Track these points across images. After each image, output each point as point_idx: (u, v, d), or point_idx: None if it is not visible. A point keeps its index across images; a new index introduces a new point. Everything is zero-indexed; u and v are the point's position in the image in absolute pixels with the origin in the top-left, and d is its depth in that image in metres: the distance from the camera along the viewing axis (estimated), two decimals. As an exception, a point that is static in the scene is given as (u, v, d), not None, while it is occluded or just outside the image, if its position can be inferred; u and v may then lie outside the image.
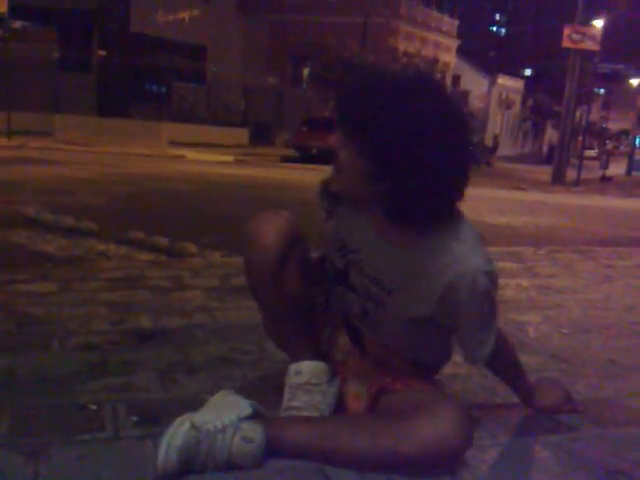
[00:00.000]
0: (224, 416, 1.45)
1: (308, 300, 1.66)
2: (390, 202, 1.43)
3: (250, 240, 1.56)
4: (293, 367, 1.65)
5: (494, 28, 71.80)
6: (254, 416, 1.48)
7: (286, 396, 1.66)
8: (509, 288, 3.50)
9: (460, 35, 44.16)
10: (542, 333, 2.69)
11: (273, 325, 1.73)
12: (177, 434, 1.38)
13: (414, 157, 1.35)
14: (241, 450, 1.43)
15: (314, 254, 1.71)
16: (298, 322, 1.65)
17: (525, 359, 2.30)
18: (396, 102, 1.36)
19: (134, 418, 1.67)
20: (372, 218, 1.53)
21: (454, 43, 43.71)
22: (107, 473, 1.41)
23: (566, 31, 18.91)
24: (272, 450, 1.47)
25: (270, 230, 1.55)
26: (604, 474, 1.55)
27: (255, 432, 1.45)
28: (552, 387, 1.92)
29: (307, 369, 1.64)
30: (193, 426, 1.40)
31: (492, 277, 1.48)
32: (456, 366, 2.17)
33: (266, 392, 1.80)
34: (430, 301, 1.50)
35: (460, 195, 1.45)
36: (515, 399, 1.91)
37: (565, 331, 2.74)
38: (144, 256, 3.86)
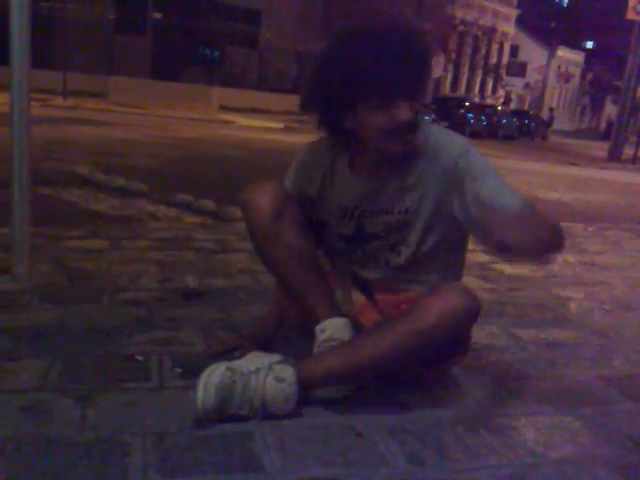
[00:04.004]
0: (257, 361, 1.54)
1: (313, 260, 1.76)
2: None
3: (245, 204, 1.74)
4: (318, 327, 1.72)
5: (556, -2, 69.40)
6: (284, 362, 1.56)
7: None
8: (555, 263, 3.48)
9: (520, 4, 42.93)
10: (584, 309, 2.68)
11: (287, 293, 1.82)
12: (214, 374, 1.48)
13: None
14: (274, 389, 1.51)
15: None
16: (308, 283, 1.73)
17: (565, 334, 2.32)
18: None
19: (178, 370, 1.75)
20: (363, 171, 1.70)
21: (513, 12, 42.55)
22: (151, 420, 1.49)
23: (631, 2, 18.13)
24: (305, 385, 1.55)
25: (261, 193, 1.71)
26: (634, 447, 1.56)
27: (286, 372, 1.53)
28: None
29: (329, 325, 1.70)
30: (228, 368, 1.50)
31: (472, 150, 1.62)
32: (493, 337, 2.20)
33: (302, 353, 1.85)
34: (438, 193, 1.64)
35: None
36: (550, 371, 1.94)
37: (607, 307, 2.72)
38: (192, 218, 3.94)
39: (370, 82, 1.51)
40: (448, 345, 1.63)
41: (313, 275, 1.74)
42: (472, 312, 1.59)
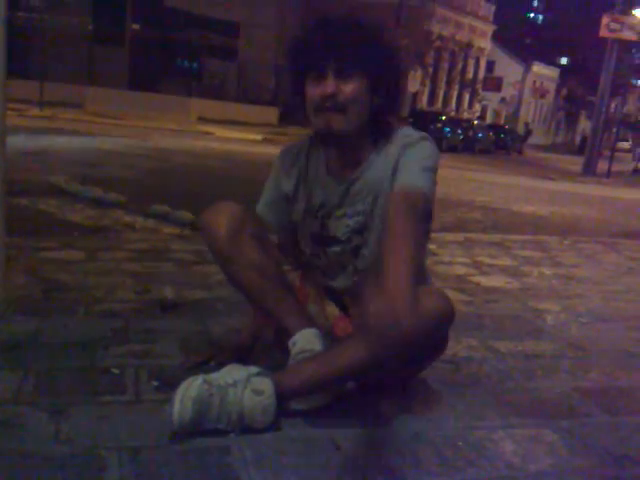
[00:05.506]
0: (234, 374, 1.53)
1: (277, 275, 1.77)
2: (383, 112, 1.71)
3: (202, 227, 1.78)
4: (290, 341, 1.72)
5: (531, 14, 70.44)
6: (262, 374, 1.55)
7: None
8: (531, 276, 3.51)
9: (496, 20, 43.50)
10: (560, 321, 2.70)
11: (259, 310, 1.84)
12: (191, 387, 1.46)
13: (397, 70, 1.73)
14: (252, 402, 1.49)
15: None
16: (274, 298, 1.75)
17: (542, 346, 2.33)
18: (373, 37, 1.67)
19: (155, 383, 1.73)
20: (336, 175, 1.77)
21: (490, 28, 43.07)
22: (127, 434, 1.47)
23: (604, 20, 18.50)
24: (283, 397, 1.54)
25: (216, 214, 1.74)
26: (610, 459, 1.56)
27: (264, 384, 1.52)
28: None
29: (300, 337, 1.70)
30: (205, 381, 1.48)
31: (430, 141, 1.71)
32: (471, 349, 2.21)
33: (281, 364, 1.84)
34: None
35: None
36: (528, 383, 1.95)
37: (584, 320, 2.74)
38: (169, 229, 3.92)
39: (306, 50, 1.66)
40: (425, 348, 1.65)
41: (279, 290, 1.75)
42: (448, 316, 1.63)
